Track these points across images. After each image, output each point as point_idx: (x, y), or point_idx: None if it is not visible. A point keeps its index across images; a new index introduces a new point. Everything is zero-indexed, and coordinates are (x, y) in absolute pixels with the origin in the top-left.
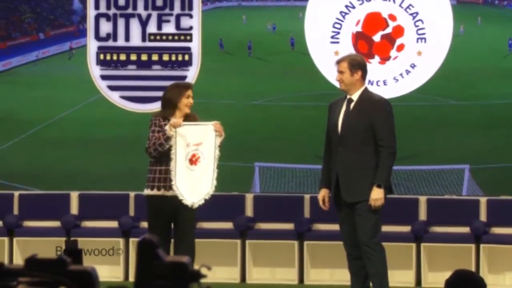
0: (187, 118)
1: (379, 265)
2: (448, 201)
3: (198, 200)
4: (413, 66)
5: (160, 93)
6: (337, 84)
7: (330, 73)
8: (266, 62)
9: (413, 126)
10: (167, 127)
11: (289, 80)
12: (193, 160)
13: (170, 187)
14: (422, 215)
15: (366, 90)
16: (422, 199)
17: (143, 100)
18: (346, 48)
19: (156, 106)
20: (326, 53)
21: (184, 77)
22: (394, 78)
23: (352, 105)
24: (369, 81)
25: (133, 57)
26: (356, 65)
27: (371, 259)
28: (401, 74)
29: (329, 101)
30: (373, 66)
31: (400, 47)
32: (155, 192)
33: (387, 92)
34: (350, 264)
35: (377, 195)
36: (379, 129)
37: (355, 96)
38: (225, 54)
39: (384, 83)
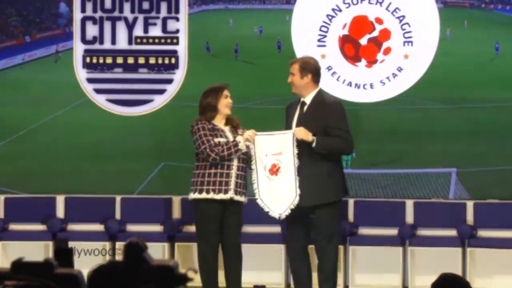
0: (228, 121)
1: (332, 267)
2: (435, 204)
3: (284, 211)
4: (400, 69)
5: (146, 96)
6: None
7: None
8: (253, 65)
9: (400, 130)
10: (239, 139)
11: (276, 83)
12: (273, 170)
13: (219, 190)
14: (409, 218)
15: (319, 93)
16: (409, 202)
17: (130, 103)
18: (333, 51)
19: (143, 109)
20: (312, 56)
21: (171, 81)
22: (381, 82)
23: (305, 108)
24: (356, 84)
25: (120, 60)
26: (306, 68)
27: (326, 262)
28: (387, 78)
29: None
30: (360, 69)
31: (387, 51)
32: (203, 195)
33: (374, 95)
34: (293, 265)
35: (305, 135)
36: (335, 131)
37: (308, 99)
38: (211, 57)
39: (371, 86)
